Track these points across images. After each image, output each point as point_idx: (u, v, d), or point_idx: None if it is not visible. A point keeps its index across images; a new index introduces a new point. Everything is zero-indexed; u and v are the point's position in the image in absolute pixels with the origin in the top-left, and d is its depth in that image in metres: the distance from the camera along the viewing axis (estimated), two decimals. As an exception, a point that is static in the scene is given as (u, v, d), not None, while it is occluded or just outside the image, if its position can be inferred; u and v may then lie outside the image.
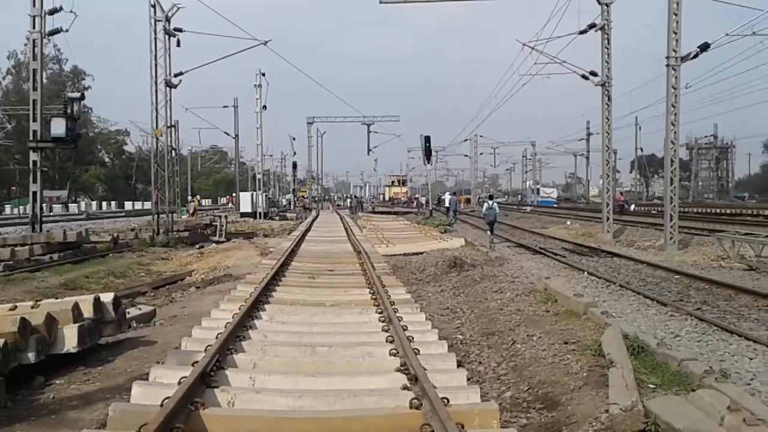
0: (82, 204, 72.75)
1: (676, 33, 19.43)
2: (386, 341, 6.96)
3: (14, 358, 5.87)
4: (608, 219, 24.49)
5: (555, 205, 74.91)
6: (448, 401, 4.58)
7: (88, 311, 6.89)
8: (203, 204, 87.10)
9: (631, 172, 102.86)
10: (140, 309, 9.47)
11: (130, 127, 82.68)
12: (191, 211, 46.84)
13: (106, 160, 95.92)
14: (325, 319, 8.38)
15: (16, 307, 6.61)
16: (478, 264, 14.96)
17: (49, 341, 6.32)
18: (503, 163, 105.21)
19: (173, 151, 33.43)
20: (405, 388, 5.34)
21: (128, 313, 9.12)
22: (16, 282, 13.16)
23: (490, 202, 23.79)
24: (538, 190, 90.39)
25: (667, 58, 19.53)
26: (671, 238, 19.52)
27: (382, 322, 7.94)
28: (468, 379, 5.76)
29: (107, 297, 7.30)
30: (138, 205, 73.09)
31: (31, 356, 6.04)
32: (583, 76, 24.93)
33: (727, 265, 15.23)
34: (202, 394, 5.06)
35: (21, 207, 56.73)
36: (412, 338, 6.78)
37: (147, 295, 12.88)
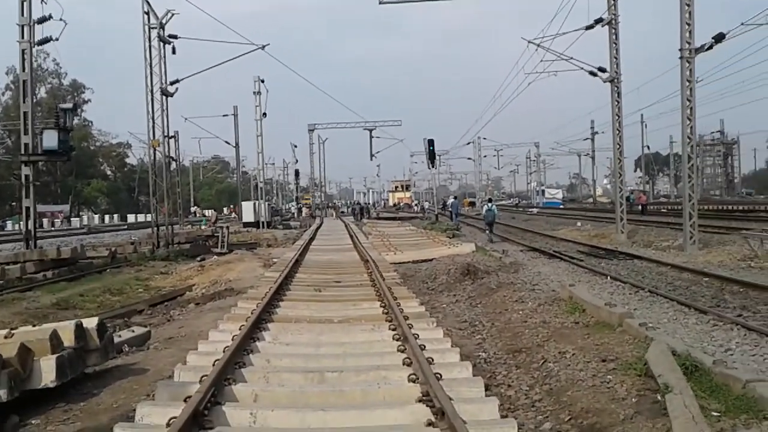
0: (85, 218, 72.23)
1: (689, 24, 18.65)
2: (403, 364, 6.24)
3: (-19, 398, 5.14)
4: (622, 219, 23.67)
5: (561, 206, 74.08)
6: (485, 444, 3.84)
7: (69, 339, 6.15)
8: (206, 214, 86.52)
9: (635, 170, 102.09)
10: (133, 331, 8.72)
11: (130, 139, 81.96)
12: (213, 221, 46.52)
13: (109, 173, 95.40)
14: (334, 338, 7.65)
15: (-13, 337, 5.89)
16: (493, 270, 14.19)
17: (23, 376, 5.58)
18: (507, 165, 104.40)
19: (173, 162, 32.61)
20: (430, 424, 4.61)
21: (119, 336, 8.42)
22: (5, 303, 12.43)
23: (490, 204, 28.33)
24: (542, 191, 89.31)
25: (681, 50, 18.75)
26: (691, 238, 18.69)
27: (397, 340, 7.22)
28: (499, 407, 5.01)
29: (91, 322, 6.55)
30: (141, 218, 72.39)
31: (3, 394, 5.30)
32: (591, 73, 24.23)
33: (756, 266, 14.36)
34: (194, 440, 4.36)
35: (21, 223, 56.10)
36: (432, 360, 6.06)
37: (144, 313, 12.15)
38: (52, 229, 53.63)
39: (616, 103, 23.57)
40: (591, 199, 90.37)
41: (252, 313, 8.38)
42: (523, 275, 13.48)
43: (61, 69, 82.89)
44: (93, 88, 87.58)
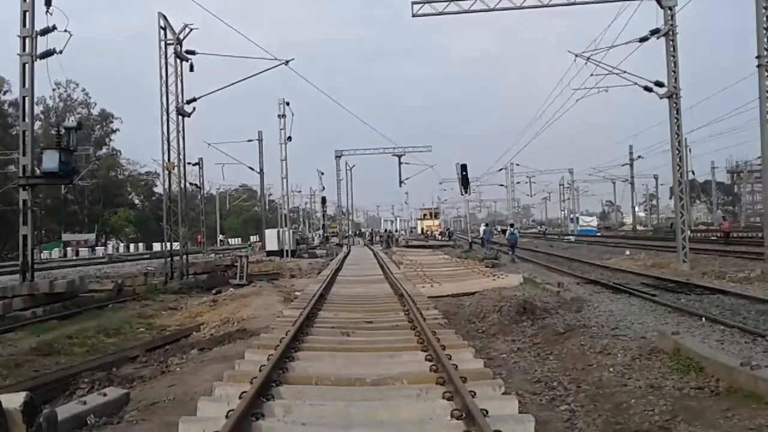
0: (110, 247, 71.27)
1: (767, 29, 16.49)
2: (475, 467, 4.10)
3: None
4: (684, 248, 21.21)
5: (597, 234, 71.28)
6: None
7: (-28, 429, 4.10)
8: (231, 243, 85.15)
9: (671, 197, 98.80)
10: (105, 395, 6.63)
11: (154, 167, 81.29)
12: (257, 249, 45.98)
13: (137, 201, 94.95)
14: (368, 412, 5.51)
15: None
16: (552, 308, 11.93)
17: None
18: (539, 192, 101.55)
19: (198, 190, 30.92)
20: None
21: (85, 403, 6.37)
22: (-27, 348, 10.52)
23: (512, 229, 35.95)
24: (577, 219, 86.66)
25: (758, 57, 16.59)
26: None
27: (458, 418, 5.06)
28: None
29: (14, 401, 4.47)
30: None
31: None
32: (647, 88, 22.12)
33: None
34: None
35: (46, 252, 55.08)
36: (518, 460, 3.91)
37: (137, 360, 10.08)
38: (75, 258, 52.47)
39: (675, 120, 21.33)
40: (625, 227, 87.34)
41: (261, 370, 6.34)
42: (593, 315, 11.19)
43: (90, 99, 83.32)
44: (122, 117, 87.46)
